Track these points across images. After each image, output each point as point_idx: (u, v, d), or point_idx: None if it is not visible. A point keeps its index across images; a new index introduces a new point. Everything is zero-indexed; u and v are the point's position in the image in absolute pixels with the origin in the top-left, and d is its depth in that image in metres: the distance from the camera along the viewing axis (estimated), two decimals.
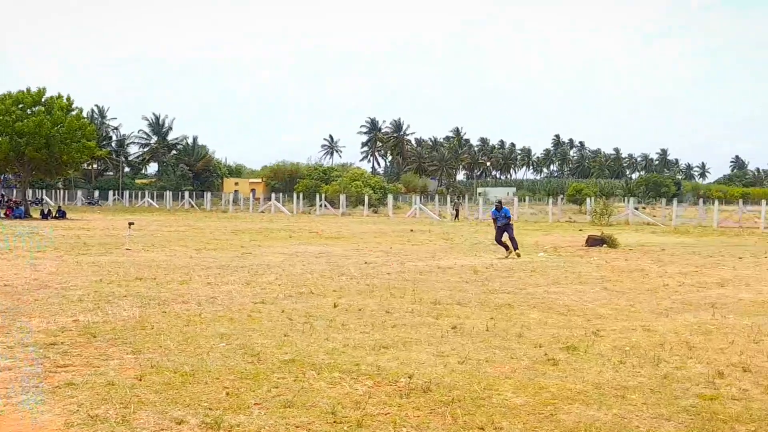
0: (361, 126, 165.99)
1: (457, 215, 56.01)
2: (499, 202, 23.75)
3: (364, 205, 64.37)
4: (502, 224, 21.52)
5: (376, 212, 66.27)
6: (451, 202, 63.65)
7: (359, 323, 9.66)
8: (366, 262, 18.35)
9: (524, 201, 66.26)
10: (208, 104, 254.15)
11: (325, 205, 66.45)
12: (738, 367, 7.52)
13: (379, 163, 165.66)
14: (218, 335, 8.70)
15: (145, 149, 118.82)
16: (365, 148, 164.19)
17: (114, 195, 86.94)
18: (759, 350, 8.35)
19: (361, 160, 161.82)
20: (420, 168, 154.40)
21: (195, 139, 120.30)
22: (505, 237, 21.37)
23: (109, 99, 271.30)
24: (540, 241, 28.09)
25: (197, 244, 24.20)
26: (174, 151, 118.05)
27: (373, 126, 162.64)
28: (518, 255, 20.44)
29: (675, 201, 59.08)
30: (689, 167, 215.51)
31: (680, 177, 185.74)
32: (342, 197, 66.96)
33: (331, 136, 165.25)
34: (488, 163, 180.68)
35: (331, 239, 28.32)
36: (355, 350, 8.02)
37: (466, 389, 6.50)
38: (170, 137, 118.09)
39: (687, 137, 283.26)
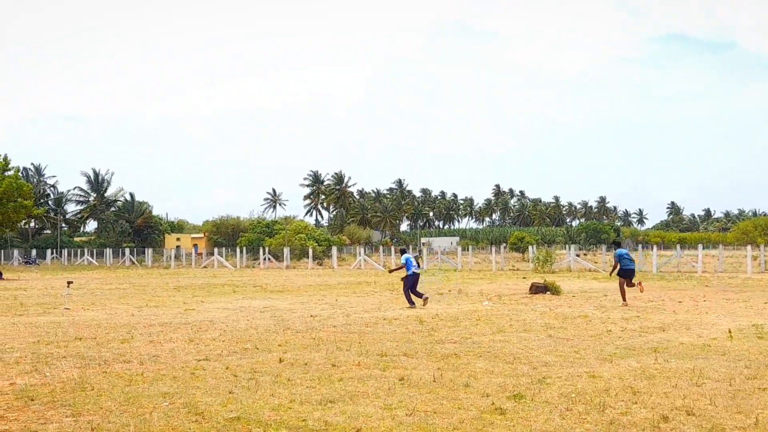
0: (303, 178, 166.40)
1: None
2: (401, 249, 23.20)
3: (308, 257, 64.11)
4: (412, 273, 21.22)
5: (320, 264, 66.05)
6: (397, 252, 63.57)
7: (305, 378, 9.56)
8: (311, 316, 18.22)
9: (467, 250, 66.67)
10: (144, 161, 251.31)
11: (269, 259, 66.00)
12: (682, 410, 7.61)
13: (322, 216, 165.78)
14: (161, 394, 8.52)
15: (84, 206, 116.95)
16: (308, 201, 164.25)
17: (52, 253, 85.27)
18: (701, 393, 8.46)
19: (305, 214, 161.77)
20: (364, 219, 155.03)
21: (132, 195, 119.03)
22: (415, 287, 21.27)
23: (43, 156, 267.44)
24: (484, 290, 28.25)
25: (138, 301, 23.79)
26: (113, 208, 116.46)
27: (315, 179, 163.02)
28: (416, 306, 20.53)
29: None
30: (627, 214, 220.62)
31: (619, 223, 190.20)
32: (286, 250, 66.68)
33: (273, 190, 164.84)
34: (431, 214, 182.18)
35: (275, 293, 28.08)
36: (302, 406, 7.92)
37: None
38: (108, 192, 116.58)
39: (624, 184, 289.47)
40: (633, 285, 21.48)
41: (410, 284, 21.24)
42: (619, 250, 22.20)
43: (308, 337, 13.85)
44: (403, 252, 22.47)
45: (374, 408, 7.81)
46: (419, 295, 21.04)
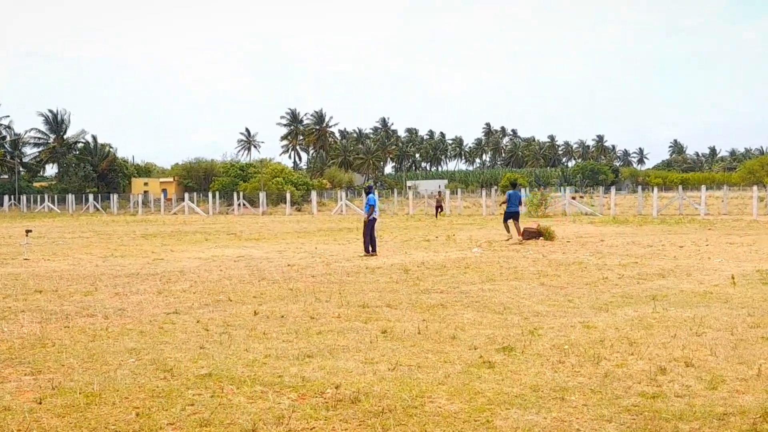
0: (281, 117, 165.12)
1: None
2: (367, 188, 22.16)
3: (286, 202, 64.01)
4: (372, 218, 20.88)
5: (299, 210, 66.03)
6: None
7: (282, 331, 9.59)
8: (289, 265, 18.25)
9: (456, 193, 66.73)
10: (106, 103, 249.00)
11: (244, 204, 65.93)
12: (680, 362, 7.70)
13: (300, 158, 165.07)
14: (127, 350, 8.53)
15: (42, 149, 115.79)
16: (285, 142, 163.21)
17: (10, 200, 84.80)
18: (701, 344, 8.55)
19: (281, 155, 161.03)
20: (345, 162, 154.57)
21: (95, 137, 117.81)
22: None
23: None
24: (474, 236, 28.34)
25: (103, 250, 23.73)
26: (75, 151, 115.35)
27: (293, 118, 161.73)
28: (368, 255, 20.43)
29: (613, 189, 60.29)
30: (627, 153, 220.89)
31: (618, 164, 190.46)
32: (262, 195, 66.51)
33: (247, 130, 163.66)
34: (417, 155, 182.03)
35: (250, 241, 28.08)
36: (278, 361, 7.95)
37: (397, 398, 6.50)
38: (69, 134, 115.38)
39: (623, 122, 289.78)
40: (517, 228, 24.96)
41: (370, 227, 20.86)
42: (509, 192, 25.98)
43: (285, 288, 13.88)
44: (369, 191, 21.68)
45: (355, 362, 7.85)
46: (371, 248, 20.80)
